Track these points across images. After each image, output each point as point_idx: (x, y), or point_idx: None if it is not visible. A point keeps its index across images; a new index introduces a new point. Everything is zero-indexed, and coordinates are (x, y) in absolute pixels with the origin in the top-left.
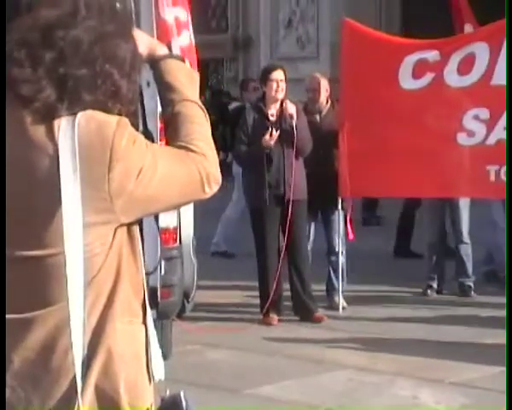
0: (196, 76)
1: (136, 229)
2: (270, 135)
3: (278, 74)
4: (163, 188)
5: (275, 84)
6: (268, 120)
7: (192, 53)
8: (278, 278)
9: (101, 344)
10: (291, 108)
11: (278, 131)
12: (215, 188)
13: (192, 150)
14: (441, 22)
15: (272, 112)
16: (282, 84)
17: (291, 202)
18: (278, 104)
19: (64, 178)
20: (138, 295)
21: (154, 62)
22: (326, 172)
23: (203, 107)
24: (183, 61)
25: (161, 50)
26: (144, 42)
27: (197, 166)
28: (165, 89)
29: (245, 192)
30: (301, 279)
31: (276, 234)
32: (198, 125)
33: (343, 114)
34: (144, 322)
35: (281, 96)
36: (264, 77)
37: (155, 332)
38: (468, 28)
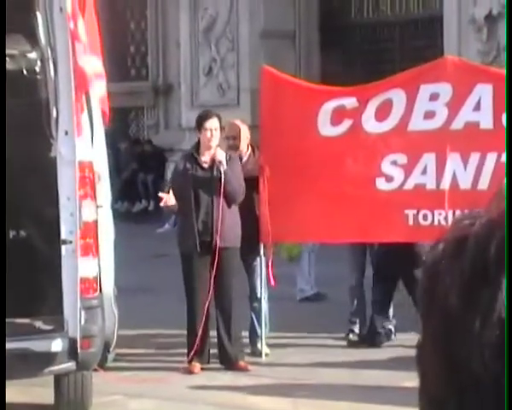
0: None
1: None
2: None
3: (212, 123)
4: None
5: (209, 133)
6: (201, 167)
7: (106, 103)
8: (204, 326)
9: None
10: (220, 155)
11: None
12: None
13: None
14: (360, 69)
15: (206, 159)
16: (216, 133)
17: (219, 249)
18: (212, 151)
19: None
20: None
21: None
22: (247, 219)
23: None
24: None
25: None
26: None
27: None
28: None
29: (177, 237)
30: (228, 328)
31: (206, 281)
32: None
33: (263, 160)
34: None
35: (214, 143)
36: (199, 124)
37: None
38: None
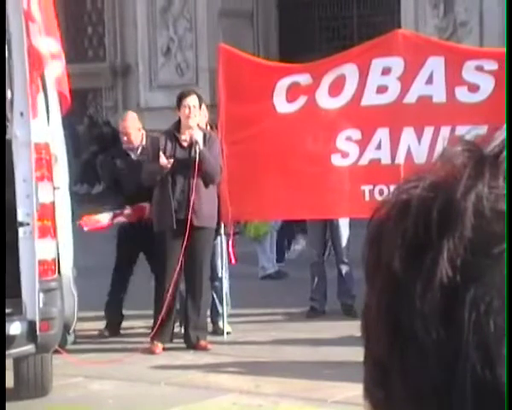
0: None
1: None
2: (167, 159)
3: (191, 100)
4: None
5: (187, 110)
6: (181, 146)
7: (65, 83)
8: (170, 305)
9: None
10: (197, 135)
11: (172, 160)
12: None
13: None
14: (318, 47)
15: (186, 138)
16: (195, 110)
17: (194, 228)
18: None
19: None
20: None
21: None
22: None
23: None
24: None
25: None
26: None
27: None
28: None
29: (153, 215)
30: (196, 308)
31: (177, 260)
32: None
33: (221, 139)
34: None
35: (193, 121)
36: (178, 102)
37: None
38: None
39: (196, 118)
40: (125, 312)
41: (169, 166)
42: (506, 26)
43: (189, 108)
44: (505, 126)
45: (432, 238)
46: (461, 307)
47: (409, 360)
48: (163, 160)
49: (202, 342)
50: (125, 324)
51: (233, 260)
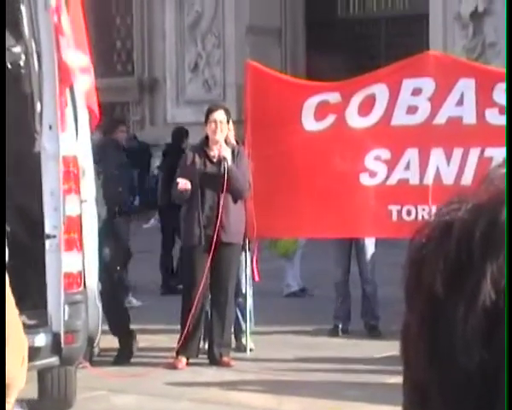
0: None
1: None
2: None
3: (218, 115)
4: None
5: (213, 125)
6: (210, 161)
7: (93, 97)
8: (196, 320)
9: None
10: (225, 151)
11: (187, 183)
12: None
13: None
14: (346, 66)
15: (214, 153)
16: (222, 126)
17: (222, 244)
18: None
19: None
20: None
21: None
22: None
23: None
24: None
25: None
26: None
27: None
28: None
29: (182, 230)
30: (221, 324)
31: (204, 275)
32: None
33: (248, 155)
34: None
35: (220, 136)
36: (206, 118)
37: None
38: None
39: (223, 133)
40: (148, 326)
41: (188, 187)
42: (506, 27)
43: (215, 123)
44: (506, 126)
45: (474, 261)
46: (504, 332)
47: (449, 382)
48: (181, 184)
49: (225, 359)
50: (147, 338)
51: (256, 277)
